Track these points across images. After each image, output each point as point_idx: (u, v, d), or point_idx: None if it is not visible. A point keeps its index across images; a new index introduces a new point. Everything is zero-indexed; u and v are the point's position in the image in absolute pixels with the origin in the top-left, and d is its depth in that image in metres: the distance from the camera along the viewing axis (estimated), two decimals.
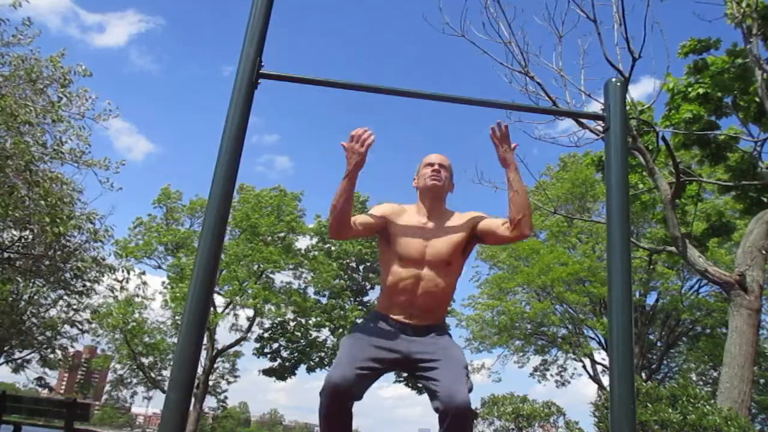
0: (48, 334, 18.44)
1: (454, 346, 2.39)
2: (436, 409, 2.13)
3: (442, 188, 2.57)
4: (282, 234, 22.86)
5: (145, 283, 18.68)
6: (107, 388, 26.68)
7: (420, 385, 2.49)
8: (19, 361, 20.14)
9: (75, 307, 16.45)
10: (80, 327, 18.37)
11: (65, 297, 14.90)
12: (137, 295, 20.71)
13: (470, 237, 2.49)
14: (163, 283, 22.48)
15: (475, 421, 2.21)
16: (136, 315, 21.96)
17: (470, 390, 2.17)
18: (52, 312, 17.81)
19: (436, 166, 2.58)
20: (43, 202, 9.69)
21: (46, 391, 21.56)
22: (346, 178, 2.29)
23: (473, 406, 2.13)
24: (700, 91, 9.38)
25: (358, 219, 2.45)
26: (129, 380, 25.74)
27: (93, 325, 20.22)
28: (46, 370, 21.29)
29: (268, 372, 23.63)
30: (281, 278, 23.94)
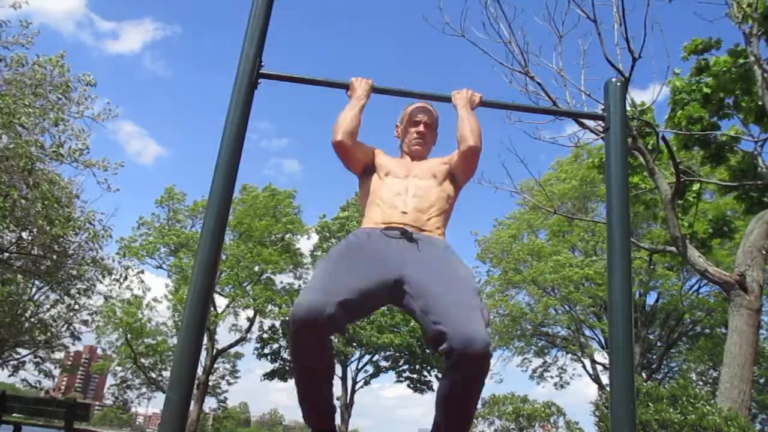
0: (49, 333, 18.42)
1: (459, 264, 2.03)
2: (444, 350, 1.73)
3: (425, 149, 2.52)
4: (280, 235, 22.84)
5: (143, 281, 18.70)
6: (112, 390, 26.57)
7: (413, 318, 1.96)
8: (14, 363, 20.09)
9: (74, 307, 16.45)
10: (75, 331, 18.32)
11: (65, 297, 14.90)
12: (137, 297, 20.72)
13: (449, 167, 2.40)
14: (167, 285, 22.55)
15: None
16: (139, 315, 21.99)
17: (487, 324, 1.82)
18: (52, 312, 17.81)
19: (422, 128, 2.50)
20: (39, 204, 9.70)
21: (42, 393, 21.51)
22: (357, 100, 2.33)
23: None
24: (706, 90, 9.36)
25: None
26: (132, 382, 25.78)
27: (95, 326, 20.20)
28: (42, 373, 21.24)
29: (269, 375, 23.65)
30: (282, 279, 23.97)
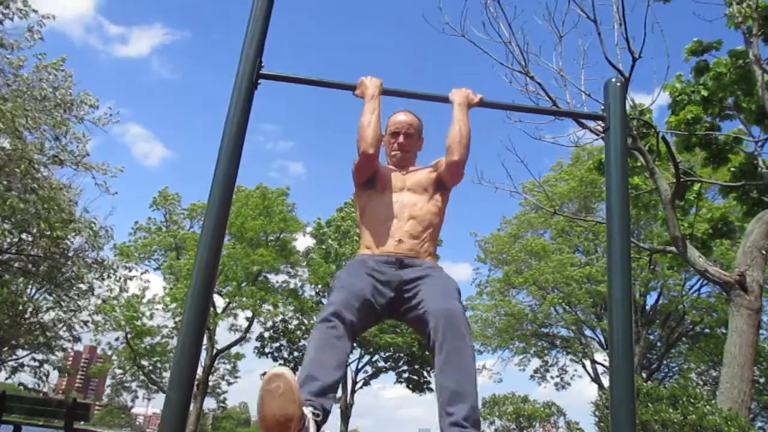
0: (47, 336, 18.40)
1: (444, 275, 2.31)
2: (428, 335, 2.00)
3: (408, 156, 2.59)
4: (276, 234, 22.81)
5: (147, 281, 18.74)
6: (108, 391, 26.66)
7: (410, 327, 2.33)
8: (12, 365, 20.05)
9: (72, 308, 16.44)
10: (74, 333, 18.29)
11: (64, 298, 14.89)
12: (136, 296, 20.70)
13: (438, 175, 2.50)
14: (165, 288, 22.56)
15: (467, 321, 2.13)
16: (139, 313, 21.99)
17: (463, 309, 2.12)
18: (52, 314, 17.78)
19: (402, 140, 2.56)
20: (40, 206, 9.69)
21: (44, 389, 21.48)
22: (372, 99, 2.37)
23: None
24: (704, 92, 9.37)
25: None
26: (129, 383, 25.78)
27: (95, 326, 20.15)
28: (39, 378, 21.21)
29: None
30: (279, 278, 23.98)
